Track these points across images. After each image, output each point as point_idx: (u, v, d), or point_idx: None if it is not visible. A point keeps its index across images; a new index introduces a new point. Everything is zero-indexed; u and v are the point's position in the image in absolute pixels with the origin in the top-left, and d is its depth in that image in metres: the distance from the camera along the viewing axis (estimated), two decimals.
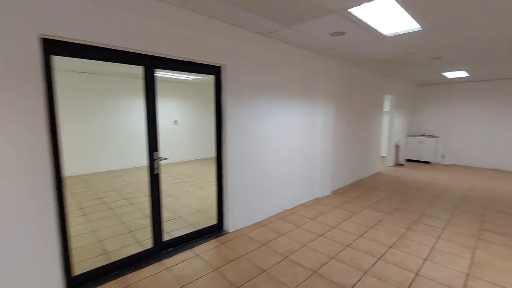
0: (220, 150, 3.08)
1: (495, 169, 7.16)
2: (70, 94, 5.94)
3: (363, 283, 2.23)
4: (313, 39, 3.44)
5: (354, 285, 2.21)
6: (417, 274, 2.36)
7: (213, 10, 2.53)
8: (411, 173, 6.66)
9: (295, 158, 4.07)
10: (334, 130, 4.89)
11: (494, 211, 3.97)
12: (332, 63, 4.57)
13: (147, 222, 3.42)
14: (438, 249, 2.81)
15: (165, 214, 3.73)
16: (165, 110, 7.63)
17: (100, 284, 2.22)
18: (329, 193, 4.83)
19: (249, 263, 2.51)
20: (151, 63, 2.36)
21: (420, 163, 8.12)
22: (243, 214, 3.32)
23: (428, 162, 8.17)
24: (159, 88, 7.87)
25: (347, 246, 2.87)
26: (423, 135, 8.24)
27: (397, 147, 7.80)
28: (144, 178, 5.87)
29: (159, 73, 6.21)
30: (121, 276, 2.31)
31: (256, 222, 3.49)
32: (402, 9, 2.47)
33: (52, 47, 1.87)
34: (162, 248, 2.66)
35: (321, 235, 3.13)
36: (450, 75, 6.34)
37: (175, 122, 7.88)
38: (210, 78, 2.91)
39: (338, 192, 4.93)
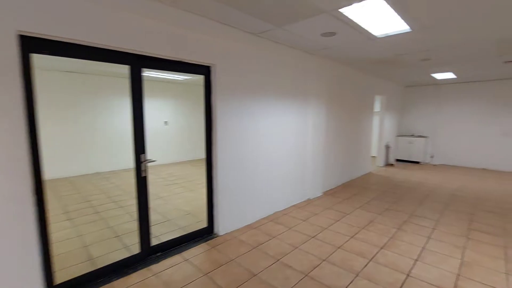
0: (210, 152, 3.02)
1: (483, 169, 7.31)
2: (57, 94, 5.77)
3: (355, 285, 2.21)
4: (304, 39, 3.42)
5: (346, 287, 2.19)
6: (408, 275, 2.36)
7: (202, 9, 2.47)
8: (401, 173, 6.73)
9: (287, 158, 4.05)
10: (326, 130, 4.89)
11: (482, 210, 4.03)
12: (323, 64, 4.57)
13: (135, 226, 3.33)
14: (429, 249, 2.82)
15: (154, 217, 3.65)
16: (155, 110, 7.51)
17: None
18: (321, 194, 4.82)
19: (239, 267, 2.46)
20: (137, 62, 2.29)
21: (409, 163, 8.23)
22: (234, 216, 3.27)
23: (417, 162, 8.28)
24: (149, 88, 7.75)
25: (339, 247, 2.85)
26: (412, 136, 8.35)
27: (387, 147, 7.88)
28: (133, 180, 5.74)
29: (148, 73, 6.10)
30: (107, 283, 2.22)
31: (247, 225, 3.44)
32: (392, 10, 2.47)
33: (31, 45, 1.78)
34: (150, 253, 2.58)
35: (313, 237, 3.11)
36: (438, 76, 6.44)
37: (166, 122, 7.75)
38: (201, 78, 2.85)
39: (330, 193, 4.93)
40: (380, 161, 7.74)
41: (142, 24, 2.24)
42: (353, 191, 5.04)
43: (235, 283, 2.24)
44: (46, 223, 1.94)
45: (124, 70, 5.56)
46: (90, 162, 6.39)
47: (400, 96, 8.56)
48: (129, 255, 2.50)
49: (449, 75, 6.29)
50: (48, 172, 5.75)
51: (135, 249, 2.66)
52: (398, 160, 8.58)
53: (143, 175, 2.42)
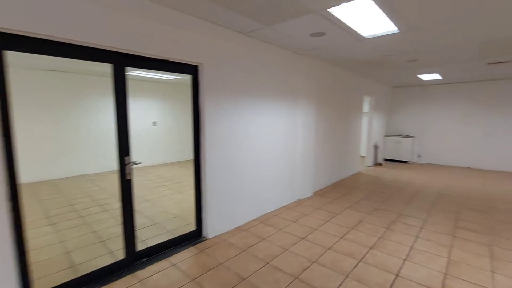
0: (198, 153, 2.96)
1: (467, 168, 7.50)
2: (39, 93, 5.55)
3: (345, 287, 2.20)
4: (293, 39, 3.40)
5: None
6: (397, 275, 2.36)
7: (189, 6, 2.41)
8: (389, 173, 6.82)
9: (276, 159, 4.02)
10: (315, 130, 4.89)
11: (467, 208, 4.12)
12: (313, 64, 4.57)
13: (120, 230, 3.22)
14: (417, 249, 2.84)
15: (141, 220, 3.55)
16: (144, 110, 7.35)
17: None
18: (311, 194, 4.82)
19: (228, 271, 2.41)
20: (121, 61, 2.20)
21: (397, 163, 8.36)
22: (223, 218, 3.21)
23: (405, 162, 8.43)
24: (137, 88, 7.59)
25: (329, 248, 2.84)
26: (400, 135, 8.50)
27: (376, 147, 7.98)
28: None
29: (136, 72, 5.96)
30: None
31: (237, 227, 3.38)
32: (380, 11, 2.47)
33: (5, 42, 1.68)
34: (135, 259, 2.49)
35: (303, 238, 3.08)
36: (424, 77, 6.57)
37: (154, 123, 7.60)
38: (190, 78, 2.78)
39: (320, 193, 4.93)
40: (369, 161, 7.83)
41: (126, 21, 2.15)
42: (342, 191, 5.06)
43: None
44: (23, 229, 1.83)
45: (109, 68, 5.42)
46: (74, 164, 6.18)
47: (388, 96, 8.69)
48: (114, 261, 2.41)
49: (435, 76, 6.42)
50: (30, 175, 5.54)
51: (120, 254, 2.56)
52: (386, 160, 8.71)
53: (127, 178, 2.33)
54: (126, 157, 2.30)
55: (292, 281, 2.27)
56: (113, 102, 2.22)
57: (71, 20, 1.87)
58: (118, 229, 3.28)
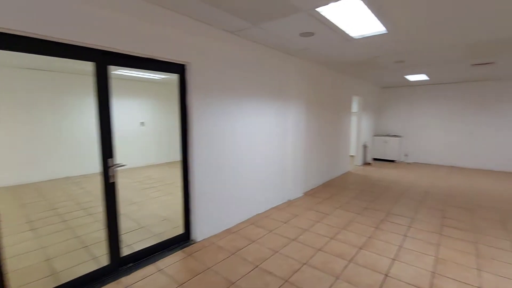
0: (186, 154, 2.89)
1: (451, 166, 7.68)
2: (20, 93, 5.33)
3: None
4: (283, 39, 3.37)
5: None
6: (386, 275, 2.37)
7: (174, 3, 2.34)
8: (378, 172, 6.91)
9: (267, 159, 3.98)
10: (306, 130, 4.89)
11: (453, 206, 4.20)
12: (302, 64, 4.56)
13: (105, 235, 3.11)
14: (405, 248, 2.86)
15: (128, 224, 3.44)
16: (132, 111, 7.18)
17: None
18: (301, 195, 4.81)
19: (217, 275, 2.35)
20: (103, 59, 2.11)
21: (386, 162, 8.49)
22: (212, 221, 3.15)
23: (393, 161, 8.56)
24: (124, 88, 7.41)
25: (319, 250, 2.83)
26: (388, 135, 8.63)
27: (364, 146, 8.07)
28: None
29: (122, 71, 5.81)
30: None
31: (227, 229, 3.33)
32: (368, 11, 2.47)
33: None
34: (120, 265, 2.40)
35: (293, 240, 3.06)
36: (411, 78, 6.68)
37: (142, 123, 7.44)
38: (177, 77, 2.71)
39: (310, 193, 4.93)
40: (358, 160, 7.92)
41: (109, 18, 2.07)
42: (332, 191, 5.08)
43: None
44: None
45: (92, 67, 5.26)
46: (58, 166, 5.97)
47: (376, 97, 8.81)
48: (97, 268, 2.31)
49: (422, 77, 6.54)
50: (10, 178, 5.31)
51: (105, 260, 2.47)
52: (375, 159, 8.83)
53: (111, 180, 2.24)
54: (110, 159, 2.21)
55: (282, 285, 2.24)
56: (95, 102, 2.13)
57: (49, 16, 1.77)
58: (102, 234, 3.17)
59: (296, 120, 4.50)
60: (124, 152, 7.06)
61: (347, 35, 3.17)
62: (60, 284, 2.11)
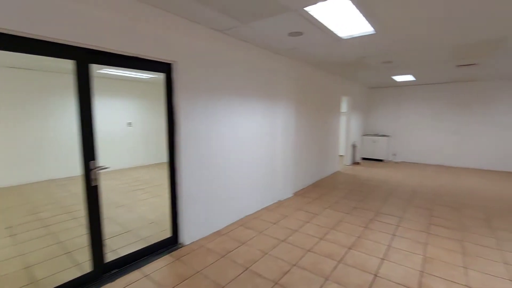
0: (173, 155, 2.82)
1: (439, 165, 7.85)
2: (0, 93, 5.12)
3: None
4: (272, 38, 3.34)
5: None
6: (375, 275, 2.37)
7: (161, 0, 2.27)
8: (367, 171, 6.98)
9: (256, 160, 3.95)
10: (295, 130, 4.88)
11: (439, 205, 4.28)
12: (292, 64, 4.55)
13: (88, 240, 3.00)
14: (394, 247, 2.88)
15: (113, 228, 3.34)
16: (119, 111, 7.01)
17: None
18: (291, 195, 4.80)
19: (205, 280, 2.30)
20: (84, 57, 2.03)
21: (374, 161, 8.60)
22: (200, 223, 3.09)
23: (381, 160, 8.68)
24: (110, 87, 7.23)
25: (309, 250, 2.81)
26: (376, 135, 8.74)
27: (353, 146, 8.15)
28: None
29: (107, 70, 5.66)
30: None
31: (216, 231, 3.27)
32: (357, 11, 2.47)
33: None
34: (104, 271, 2.31)
35: (283, 241, 3.04)
36: (399, 78, 6.79)
37: (129, 124, 7.28)
38: (163, 76, 2.63)
39: (300, 193, 4.93)
40: (348, 160, 7.98)
41: (90, 15, 1.98)
42: (322, 191, 5.09)
43: None
44: None
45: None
46: (42, 168, 5.77)
47: (365, 97, 8.92)
48: (80, 275, 2.22)
49: (409, 78, 6.65)
50: None
51: (88, 267, 2.38)
52: (364, 159, 8.93)
53: (93, 184, 2.15)
54: (92, 162, 2.13)
55: (272, 287, 2.21)
56: (75, 102, 2.04)
57: (25, 12, 1.68)
58: (86, 239, 3.06)
59: (286, 120, 4.49)
60: (111, 153, 6.89)
61: (335, 35, 3.17)
62: None
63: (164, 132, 7.89)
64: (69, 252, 2.77)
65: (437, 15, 2.56)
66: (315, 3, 2.28)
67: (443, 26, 2.86)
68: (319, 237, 3.12)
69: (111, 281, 2.26)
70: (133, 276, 2.34)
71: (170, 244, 2.87)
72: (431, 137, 8.01)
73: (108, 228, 3.34)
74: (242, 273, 2.41)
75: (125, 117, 7.19)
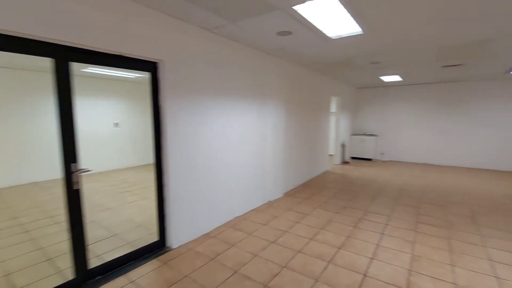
0: (160, 156, 2.75)
1: (424, 164, 8.02)
2: None
3: None
4: (260, 37, 3.31)
5: None
6: (364, 275, 2.37)
7: None
8: (356, 171, 7.06)
9: (246, 161, 3.91)
10: (285, 131, 4.87)
11: (426, 203, 4.35)
12: (281, 64, 4.53)
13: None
14: (382, 246, 2.90)
15: (98, 232, 3.24)
16: (105, 111, 6.83)
17: None
18: (282, 195, 4.79)
19: (193, 284, 2.25)
20: (64, 55, 1.94)
21: (363, 160, 8.71)
22: (188, 226, 3.03)
23: (369, 159, 8.80)
24: (96, 87, 7.03)
25: (299, 251, 2.79)
26: (364, 134, 8.85)
27: (343, 146, 8.22)
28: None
29: (92, 70, 5.50)
30: None
31: (205, 234, 3.22)
32: (345, 11, 2.47)
33: None
34: (87, 278, 2.23)
35: (273, 242, 3.01)
36: (386, 79, 6.88)
37: (116, 124, 7.10)
38: (148, 76, 2.56)
39: (290, 193, 4.92)
40: (337, 159, 8.05)
41: (71, 10, 1.90)
42: (312, 191, 5.10)
43: None
44: None
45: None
46: (24, 171, 5.55)
47: (353, 97, 9.02)
48: (62, 282, 2.13)
49: (396, 78, 6.76)
50: None
51: (70, 274, 2.28)
52: (353, 158, 9.03)
53: (75, 187, 2.06)
54: (73, 164, 2.04)
55: None
56: (55, 102, 1.95)
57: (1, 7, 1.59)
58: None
59: (276, 120, 4.47)
60: (97, 155, 6.71)
61: (324, 35, 3.16)
62: None
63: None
64: (51, 258, 2.66)
65: (422, 17, 2.59)
66: (303, 2, 2.26)
67: (428, 27, 2.90)
68: (309, 238, 3.11)
69: None
70: (118, 282, 2.26)
71: (157, 248, 2.80)
72: (418, 137, 8.17)
73: (93, 232, 3.23)
74: (231, 276, 2.36)
75: (112, 117, 7.01)
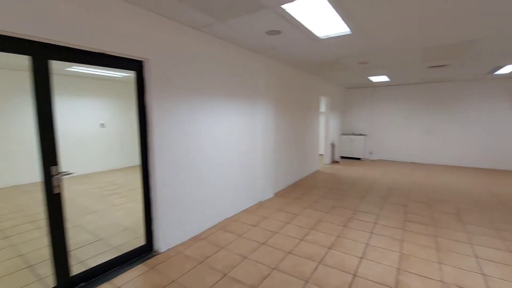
0: (146, 158, 2.67)
1: (412, 163, 8.17)
2: None
3: None
4: (249, 36, 3.27)
5: None
6: (354, 275, 2.37)
7: None
8: (345, 170, 7.12)
9: (235, 161, 3.86)
10: (275, 131, 4.85)
11: (414, 201, 4.42)
12: (271, 64, 4.51)
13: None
14: (372, 245, 2.92)
15: (82, 237, 3.13)
16: (90, 111, 6.64)
17: None
18: (272, 196, 4.77)
19: None
20: (43, 53, 1.84)
21: (352, 160, 8.80)
22: (177, 228, 2.96)
23: (358, 159, 8.90)
24: (81, 86, 6.83)
25: (289, 252, 2.77)
26: (353, 134, 8.95)
27: (332, 145, 8.28)
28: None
29: (77, 69, 5.33)
30: None
31: (194, 236, 3.16)
32: (333, 10, 2.46)
33: None
34: (70, 285, 2.13)
35: (263, 243, 2.98)
36: (374, 79, 6.97)
37: (102, 125, 6.92)
38: (134, 75, 2.48)
39: (281, 194, 4.90)
40: (327, 159, 8.10)
41: (51, 6, 1.81)
42: (302, 191, 5.10)
43: None
44: None
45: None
46: (4, 174, 5.32)
47: (342, 97, 9.10)
48: None
49: (384, 78, 6.85)
50: None
51: (51, 281, 2.18)
52: (342, 157, 9.11)
53: (55, 191, 1.97)
54: (54, 167, 1.95)
55: None
56: (32, 103, 1.85)
57: None
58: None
59: (265, 120, 4.44)
60: (82, 156, 6.52)
61: (313, 34, 3.16)
62: None
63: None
64: (32, 265, 2.54)
65: (408, 17, 2.61)
66: (292, 1, 2.24)
67: (414, 29, 2.94)
68: (299, 238, 3.10)
69: None
70: None
71: (144, 252, 2.72)
72: (406, 136, 8.32)
73: (77, 237, 3.12)
74: (220, 279, 2.32)
75: (98, 117, 6.83)
